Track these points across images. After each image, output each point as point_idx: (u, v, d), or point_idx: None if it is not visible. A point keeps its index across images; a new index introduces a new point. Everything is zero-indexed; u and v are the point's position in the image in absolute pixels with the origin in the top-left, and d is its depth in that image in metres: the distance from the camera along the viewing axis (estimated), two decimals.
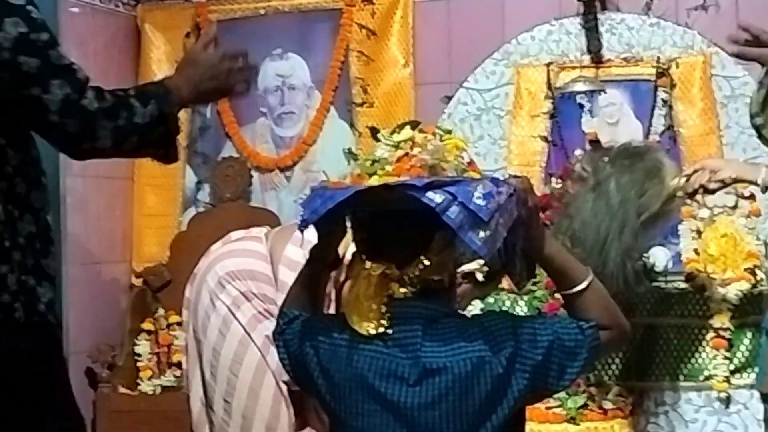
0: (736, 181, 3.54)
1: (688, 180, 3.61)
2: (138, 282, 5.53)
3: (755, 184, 3.44)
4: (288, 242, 3.56)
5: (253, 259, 3.65)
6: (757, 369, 4.54)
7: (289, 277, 3.31)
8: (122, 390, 5.23)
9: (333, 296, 3.40)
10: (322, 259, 2.58)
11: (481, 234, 2.22)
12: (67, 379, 2.68)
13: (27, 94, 2.40)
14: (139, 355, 5.33)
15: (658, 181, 3.71)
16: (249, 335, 3.56)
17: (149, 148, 2.62)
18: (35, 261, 2.50)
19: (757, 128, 2.69)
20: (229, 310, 3.59)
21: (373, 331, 2.33)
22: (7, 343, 2.42)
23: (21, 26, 2.39)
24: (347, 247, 2.67)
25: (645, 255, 4.80)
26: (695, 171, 3.58)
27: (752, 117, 2.70)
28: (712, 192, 3.62)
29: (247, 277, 3.61)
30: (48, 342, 2.58)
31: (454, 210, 2.22)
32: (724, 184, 3.56)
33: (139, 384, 5.28)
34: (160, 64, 5.65)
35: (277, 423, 3.58)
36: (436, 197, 2.23)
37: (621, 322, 2.45)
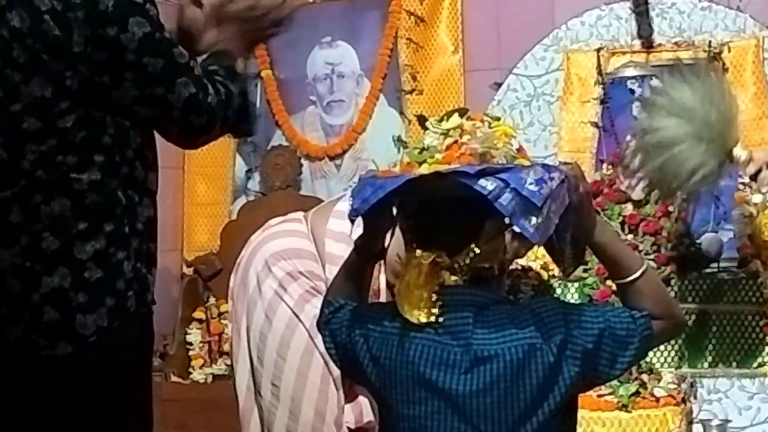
0: None
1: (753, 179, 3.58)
2: (189, 271, 5.56)
3: None
4: (329, 216, 3.56)
5: (296, 238, 3.64)
6: None
7: (335, 248, 3.34)
8: (174, 378, 5.26)
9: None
10: (368, 249, 2.57)
11: (534, 221, 2.21)
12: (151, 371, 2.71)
13: (151, 92, 2.40)
14: (190, 344, 5.36)
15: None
16: (297, 316, 3.54)
17: (239, 128, 2.66)
18: (147, 246, 2.52)
19: None
20: (276, 293, 3.58)
21: (424, 320, 2.32)
22: (118, 330, 2.43)
23: (145, 26, 2.37)
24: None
25: (698, 241, 4.77)
26: (758, 172, 3.55)
27: None
28: None
29: (293, 256, 3.60)
30: (149, 333, 2.60)
31: (506, 197, 2.22)
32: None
33: (190, 372, 5.32)
34: None
35: (325, 405, 3.58)
36: (488, 184, 2.22)
37: (675, 313, 2.43)
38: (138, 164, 2.48)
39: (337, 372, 3.46)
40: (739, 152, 3.60)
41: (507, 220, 2.30)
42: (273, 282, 3.60)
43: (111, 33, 2.34)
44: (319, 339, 3.42)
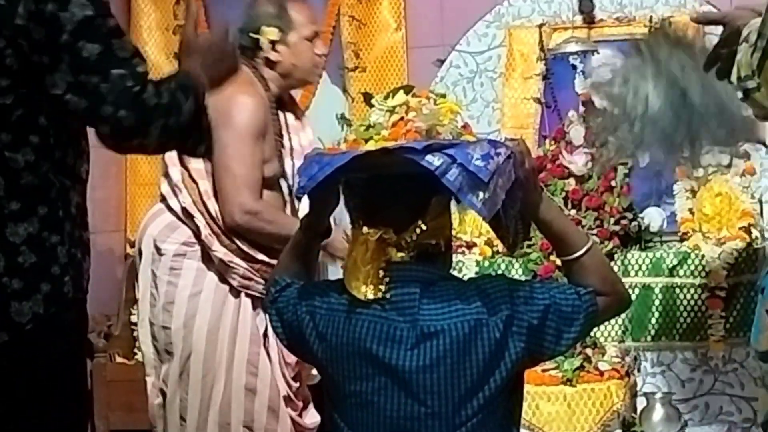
0: None
1: None
2: (133, 251, 5.52)
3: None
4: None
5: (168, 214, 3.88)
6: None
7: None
8: (119, 359, 5.24)
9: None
10: (314, 228, 2.57)
11: (481, 195, 2.22)
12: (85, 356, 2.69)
13: (85, 80, 2.33)
14: (135, 324, 5.32)
15: None
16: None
17: (186, 145, 2.56)
18: (81, 233, 2.49)
19: (747, 91, 2.66)
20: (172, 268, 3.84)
21: (371, 296, 2.33)
22: (54, 317, 2.40)
23: (87, 9, 2.32)
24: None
25: (640, 215, 4.81)
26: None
27: (741, 80, 2.67)
28: None
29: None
30: (84, 318, 2.58)
31: (453, 173, 2.22)
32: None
33: (135, 353, 5.28)
34: (150, 32, 5.63)
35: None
36: (435, 160, 2.22)
37: (619, 289, 2.45)
38: (70, 150, 2.45)
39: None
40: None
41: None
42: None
43: (50, 8, 2.30)
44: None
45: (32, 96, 2.35)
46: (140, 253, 3.94)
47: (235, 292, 3.79)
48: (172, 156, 3.78)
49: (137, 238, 4.00)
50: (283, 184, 3.92)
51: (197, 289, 3.80)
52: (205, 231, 3.75)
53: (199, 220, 3.77)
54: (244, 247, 3.76)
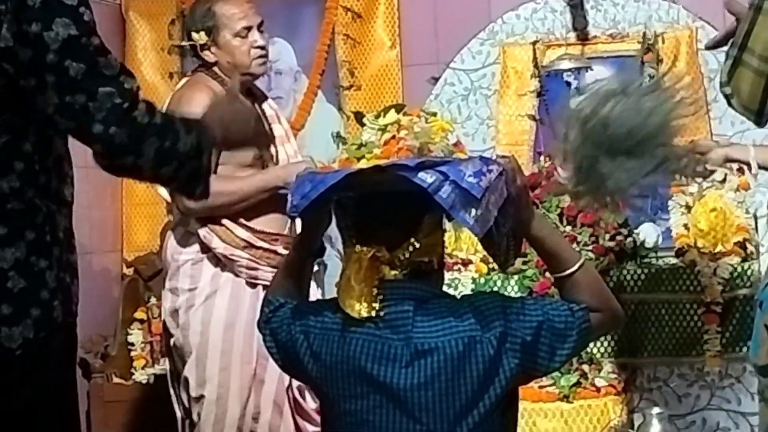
0: (728, 160, 3.52)
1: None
2: (129, 271, 5.53)
3: (747, 164, 3.44)
4: None
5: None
6: (750, 342, 4.57)
7: None
8: (116, 380, 5.23)
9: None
10: (307, 246, 2.58)
11: (473, 212, 2.22)
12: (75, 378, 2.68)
13: (71, 100, 2.30)
14: (132, 344, 5.33)
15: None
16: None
17: (183, 179, 2.50)
18: (68, 257, 2.48)
19: (727, 97, 2.71)
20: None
21: (365, 314, 2.33)
22: (46, 339, 2.39)
23: (71, 28, 2.29)
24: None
25: (635, 231, 4.81)
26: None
27: (721, 86, 2.72)
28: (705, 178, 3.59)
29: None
30: (73, 342, 2.57)
31: (446, 190, 2.22)
32: (712, 173, 3.55)
33: (132, 373, 5.28)
34: (145, 53, 5.64)
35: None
36: (427, 177, 2.23)
37: (612, 306, 2.45)
38: (54, 175, 2.43)
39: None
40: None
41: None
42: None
43: (35, 29, 2.27)
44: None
45: (16, 121, 2.34)
46: (165, 274, 4.09)
47: (251, 285, 3.90)
48: None
49: (163, 256, 4.13)
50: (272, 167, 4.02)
51: (214, 288, 3.92)
52: (202, 232, 3.82)
53: (195, 224, 3.86)
54: (237, 231, 3.87)
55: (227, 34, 3.98)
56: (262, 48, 4.04)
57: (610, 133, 3.05)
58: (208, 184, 2.55)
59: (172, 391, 4.09)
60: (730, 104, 2.67)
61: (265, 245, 3.85)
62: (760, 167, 3.46)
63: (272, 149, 4.03)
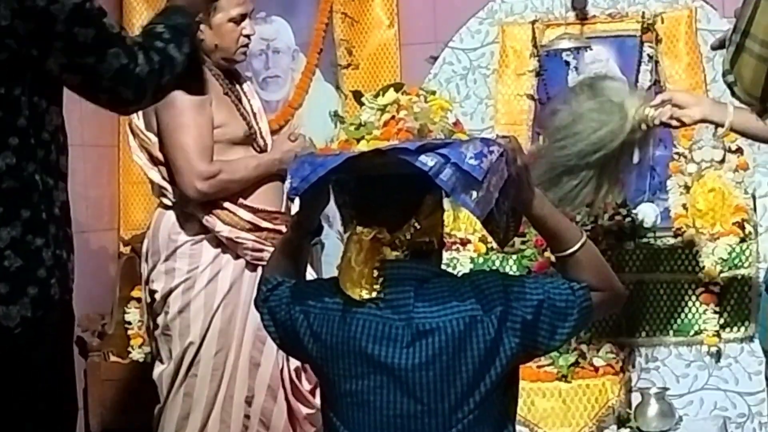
0: (702, 121, 3.52)
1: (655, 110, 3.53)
2: (126, 250, 5.52)
3: (720, 126, 3.44)
4: None
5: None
6: (746, 323, 4.58)
7: None
8: (113, 358, 5.23)
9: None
10: (305, 227, 2.58)
11: (474, 195, 2.22)
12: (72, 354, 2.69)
13: (82, 62, 2.40)
14: (129, 323, 5.32)
15: (619, 115, 3.56)
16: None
17: (181, 88, 2.74)
18: (65, 232, 2.49)
19: (729, 86, 2.70)
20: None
21: (366, 296, 2.33)
22: (44, 317, 2.40)
23: None
24: None
25: (633, 211, 4.81)
26: (662, 102, 3.52)
27: (724, 75, 2.71)
28: (675, 128, 3.60)
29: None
30: (71, 318, 2.58)
31: (447, 173, 2.22)
32: (686, 124, 3.54)
33: (129, 352, 5.28)
34: None
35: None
36: (428, 161, 2.22)
37: (614, 284, 2.45)
38: (53, 147, 2.46)
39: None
40: (640, 111, 3.52)
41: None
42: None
43: (41, 4, 2.32)
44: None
45: (9, 97, 2.35)
46: (154, 254, 3.99)
47: (251, 267, 3.88)
48: (146, 162, 3.92)
49: (148, 245, 4.05)
50: (261, 142, 4.03)
51: (216, 270, 3.89)
52: (203, 216, 3.81)
53: (195, 209, 3.83)
54: (240, 213, 3.86)
55: (222, 17, 3.92)
56: (249, 37, 4.02)
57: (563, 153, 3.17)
58: (204, 80, 2.68)
59: (158, 372, 4.01)
60: (733, 93, 2.66)
61: (270, 225, 3.84)
62: (735, 131, 3.45)
63: (255, 125, 4.02)
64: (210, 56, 3.92)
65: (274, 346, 3.73)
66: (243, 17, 3.98)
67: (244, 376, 3.90)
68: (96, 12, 2.41)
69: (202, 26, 3.89)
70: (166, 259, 3.93)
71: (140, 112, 3.84)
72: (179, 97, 3.73)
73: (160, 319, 3.96)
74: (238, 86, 4.06)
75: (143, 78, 2.47)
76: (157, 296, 3.95)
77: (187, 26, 2.63)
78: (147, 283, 4.04)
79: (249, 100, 4.07)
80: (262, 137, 4.02)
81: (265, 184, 3.92)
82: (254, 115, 4.05)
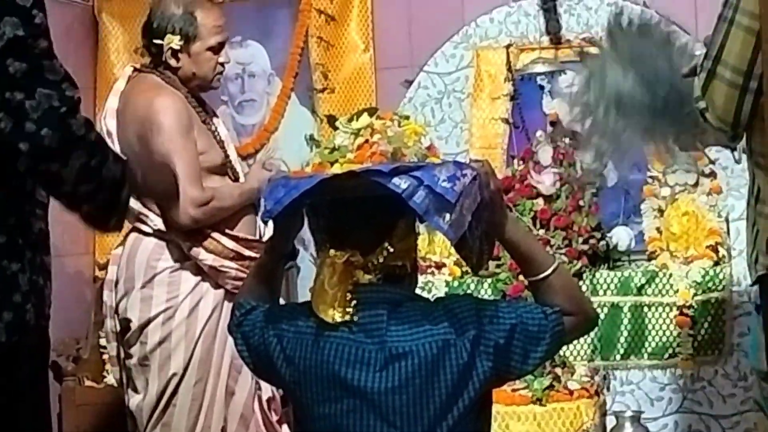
0: None
1: None
2: (102, 274, 5.49)
3: None
4: None
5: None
6: (721, 346, 4.60)
7: None
8: (88, 383, 5.20)
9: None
10: (279, 251, 2.58)
11: (447, 217, 2.23)
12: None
13: (9, 97, 2.28)
14: (104, 347, 5.28)
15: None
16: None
17: (99, 204, 2.47)
18: (42, 259, 2.47)
19: (701, 112, 2.71)
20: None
21: (339, 318, 2.33)
22: (19, 343, 2.38)
23: (19, 29, 2.29)
24: None
25: (608, 234, 4.83)
26: None
27: (696, 101, 2.72)
28: None
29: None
30: (46, 344, 2.56)
31: (420, 195, 2.23)
32: None
33: (105, 376, 5.25)
34: (118, 55, 5.62)
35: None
36: (401, 183, 2.23)
37: (586, 309, 2.46)
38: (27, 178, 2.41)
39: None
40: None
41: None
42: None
43: None
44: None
45: None
46: (128, 281, 3.92)
47: (230, 296, 3.82)
48: None
49: (120, 271, 3.97)
50: (234, 171, 4.03)
51: (196, 299, 3.85)
52: (186, 245, 3.77)
53: (178, 236, 3.79)
54: (224, 242, 3.83)
55: (201, 46, 3.93)
56: (224, 65, 4.03)
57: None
58: (123, 219, 2.54)
59: (135, 403, 3.95)
60: (704, 119, 2.67)
61: (252, 254, 3.79)
62: None
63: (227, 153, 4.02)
64: (186, 84, 3.92)
65: (249, 375, 3.74)
66: (221, 46, 3.98)
67: (221, 405, 3.87)
68: (37, 50, 2.33)
69: (180, 54, 3.89)
70: (143, 287, 3.86)
71: (117, 138, 3.82)
72: (166, 122, 3.73)
73: (135, 350, 3.88)
74: (208, 110, 4.08)
75: (73, 133, 2.32)
76: (133, 325, 3.87)
77: (125, 165, 2.50)
78: (117, 311, 3.95)
79: (216, 127, 4.07)
80: (231, 166, 4.02)
81: (244, 213, 3.91)
82: (223, 142, 4.05)
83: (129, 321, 3.88)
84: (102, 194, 2.44)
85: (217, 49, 3.96)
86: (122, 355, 3.98)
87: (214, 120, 4.09)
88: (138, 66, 4.05)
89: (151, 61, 4.00)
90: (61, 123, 2.30)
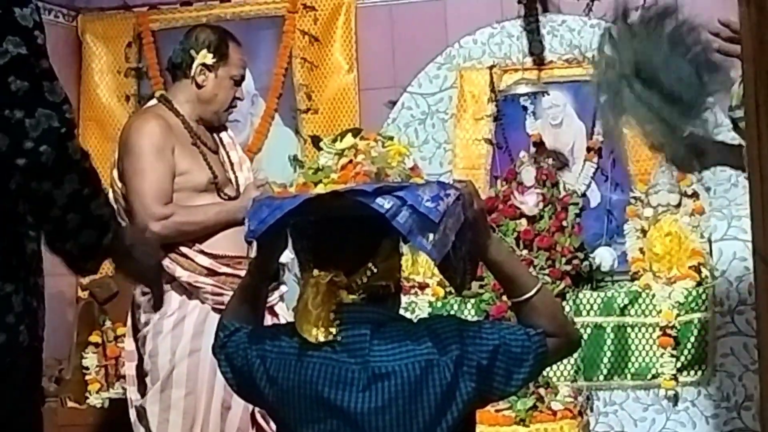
0: None
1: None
2: (84, 294, 5.49)
3: None
4: None
5: None
6: (703, 366, 4.61)
7: None
8: (70, 404, 5.19)
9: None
10: (263, 271, 2.57)
11: (431, 237, 2.23)
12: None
13: (9, 115, 2.25)
14: (86, 368, 5.29)
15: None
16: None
17: (81, 242, 2.43)
18: (35, 280, 2.46)
19: (735, 120, 2.70)
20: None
21: (322, 338, 2.32)
22: (13, 364, 2.37)
23: (21, 48, 2.27)
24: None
25: (591, 255, 4.84)
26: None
27: (731, 109, 2.72)
28: None
29: None
30: (39, 366, 2.55)
31: (403, 215, 2.23)
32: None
33: (87, 397, 5.24)
34: (102, 75, 5.62)
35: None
36: (385, 203, 2.23)
37: (569, 330, 2.46)
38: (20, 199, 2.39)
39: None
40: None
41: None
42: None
43: None
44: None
45: None
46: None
47: (216, 311, 3.83)
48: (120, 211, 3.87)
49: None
50: (231, 191, 4.04)
51: (182, 315, 3.88)
52: (164, 262, 3.80)
53: None
54: (198, 259, 3.87)
55: (227, 72, 4.05)
56: (238, 101, 4.13)
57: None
58: (100, 264, 2.53)
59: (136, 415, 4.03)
60: (736, 128, 2.66)
61: (228, 270, 3.85)
62: None
63: (231, 175, 4.06)
64: (201, 106, 4.00)
65: None
66: (242, 80, 4.11)
67: (216, 419, 3.89)
68: (39, 71, 2.30)
69: (208, 72, 3.97)
70: (142, 302, 3.96)
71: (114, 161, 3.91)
72: (138, 143, 3.80)
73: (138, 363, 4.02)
74: (216, 135, 4.13)
75: (71, 157, 2.31)
76: (144, 339, 3.98)
77: (116, 220, 2.49)
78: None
79: (227, 151, 4.14)
80: (236, 187, 4.06)
81: (227, 230, 3.93)
82: (232, 164, 4.12)
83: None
84: (87, 231, 2.42)
85: (238, 81, 4.09)
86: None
87: (224, 141, 4.16)
88: (158, 96, 4.11)
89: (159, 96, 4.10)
90: (60, 143, 2.29)
